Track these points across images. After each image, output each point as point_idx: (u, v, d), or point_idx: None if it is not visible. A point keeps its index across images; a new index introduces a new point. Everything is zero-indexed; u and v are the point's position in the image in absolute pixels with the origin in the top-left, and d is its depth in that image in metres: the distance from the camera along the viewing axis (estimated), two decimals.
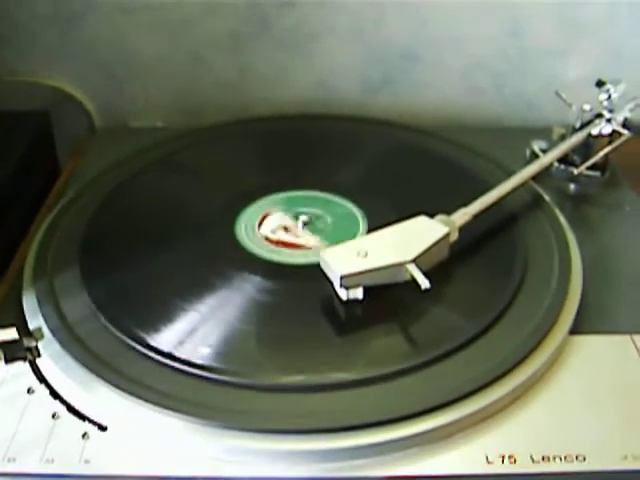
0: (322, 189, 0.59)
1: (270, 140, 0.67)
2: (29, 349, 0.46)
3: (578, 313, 0.48)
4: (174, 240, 0.54)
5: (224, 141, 0.67)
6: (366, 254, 0.47)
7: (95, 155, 0.68)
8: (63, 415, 0.42)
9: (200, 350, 0.44)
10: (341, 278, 0.46)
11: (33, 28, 0.74)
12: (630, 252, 0.56)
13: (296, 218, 0.55)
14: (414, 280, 0.46)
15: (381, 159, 0.65)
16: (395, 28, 0.74)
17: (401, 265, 0.47)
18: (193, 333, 0.45)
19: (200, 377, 0.43)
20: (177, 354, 0.44)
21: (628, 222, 0.59)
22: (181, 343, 0.45)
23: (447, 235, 0.50)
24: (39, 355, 0.45)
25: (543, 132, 0.68)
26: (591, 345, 0.47)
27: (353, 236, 0.54)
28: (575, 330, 0.47)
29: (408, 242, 0.48)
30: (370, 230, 0.54)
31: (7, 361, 0.45)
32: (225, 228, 0.55)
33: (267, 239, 0.54)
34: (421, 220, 0.50)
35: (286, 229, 0.55)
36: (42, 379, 0.44)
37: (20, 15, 0.73)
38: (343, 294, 0.47)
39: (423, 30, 0.74)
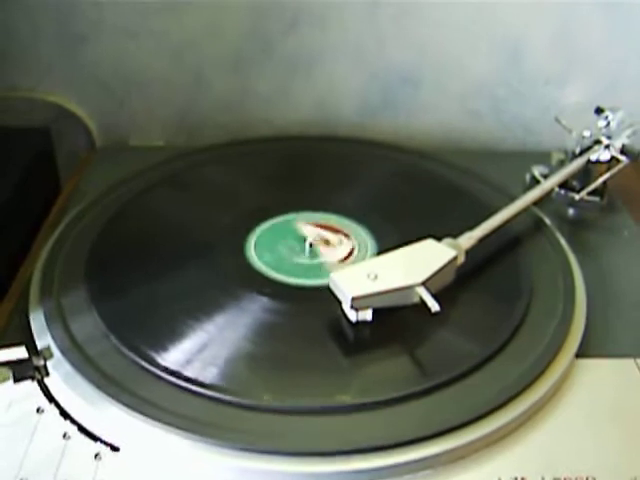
0: (330, 211, 0.60)
1: (276, 160, 0.68)
2: (37, 368, 0.45)
3: (583, 336, 0.49)
4: (182, 259, 0.54)
5: (229, 161, 0.67)
6: (376, 276, 0.47)
7: (96, 173, 0.69)
8: (74, 435, 0.42)
9: (211, 370, 0.44)
10: (352, 300, 0.46)
11: (38, 45, 0.74)
12: (630, 276, 0.57)
13: (303, 239, 0.56)
14: (424, 303, 0.46)
15: (384, 182, 0.65)
16: (396, 52, 0.75)
17: (411, 288, 0.47)
18: (204, 353, 0.45)
19: (212, 398, 0.43)
20: (188, 374, 0.44)
21: (627, 247, 0.60)
22: (192, 363, 0.45)
23: (455, 258, 0.50)
24: (47, 374, 0.45)
25: (541, 157, 0.69)
26: (597, 369, 0.47)
27: (361, 258, 0.54)
28: (581, 354, 0.48)
29: (417, 265, 0.48)
30: (378, 253, 0.54)
31: (16, 380, 0.45)
32: (234, 248, 0.55)
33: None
34: (429, 243, 0.51)
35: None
36: (51, 398, 0.44)
37: (23, 32, 0.73)
38: (353, 316, 0.47)
39: (423, 54, 0.75)
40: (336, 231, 0.57)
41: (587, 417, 0.44)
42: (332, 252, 0.55)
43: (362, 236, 0.57)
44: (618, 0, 0.71)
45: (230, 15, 0.73)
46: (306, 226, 0.58)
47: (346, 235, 0.57)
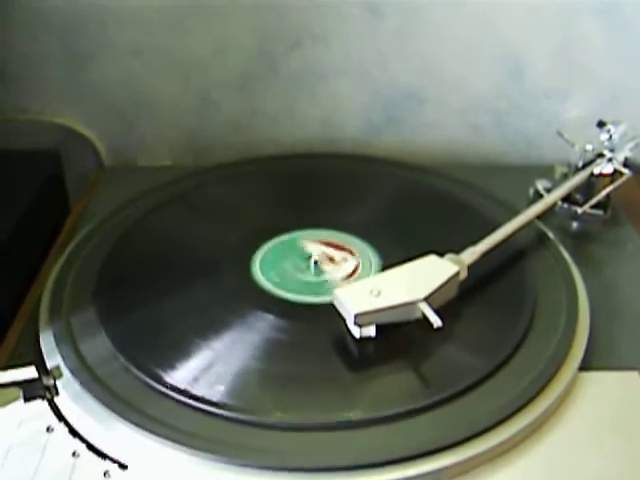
0: (335, 228, 0.60)
1: (281, 179, 0.69)
2: (47, 387, 0.46)
3: (586, 349, 0.49)
4: (189, 278, 0.55)
5: (236, 180, 0.68)
6: (379, 293, 0.48)
7: (105, 194, 0.70)
8: (83, 453, 0.42)
9: (219, 388, 0.45)
10: (355, 316, 0.47)
11: (44, 67, 0.75)
12: (634, 289, 0.57)
13: (308, 257, 0.56)
14: (426, 318, 0.47)
15: (388, 198, 0.66)
16: (398, 69, 0.75)
17: (413, 304, 0.48)
18: (211, 371, 0.46)
19: (220, 415, 0.43)
20: (196, 392, 0.44)
21: (631, 260, 0.61)
22: (200, 382, 0.45)
23: (457, 274, 0.51)
24: (57, 393, 0.46)
25: (544, 170, 0.69)
26: (600, 381, 0.47)
27: (366, 275, 0.55)
28: (584, 366, 0.48)
29: (419, 281, 0.49)
30: (382, 269, 0.55)
31: (26, 400, 0.45)
32: (240, 267, 0.56)
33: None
34: (431, 259, 0.51)
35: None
36: (61, 417, 0.45)
37: (32, 54, 0.75)
38: (356, 332, 0.48)
39: (425, 71, 0.75)
40: (340, 248, 0.58)
41: (591, 430, 0.44)
42: (337, 269, 0.56)
43: (366, 252, 0.58)
44: (618, 14, 0.71)
45: (234, 36, 0.74)
46: (311, 243, 0.58)
47: (350, 252, 0.58)
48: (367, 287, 0.48)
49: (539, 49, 0.74)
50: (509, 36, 0.73)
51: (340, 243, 0.59)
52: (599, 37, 0.73)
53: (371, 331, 0.48)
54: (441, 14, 0.72)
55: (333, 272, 0.56)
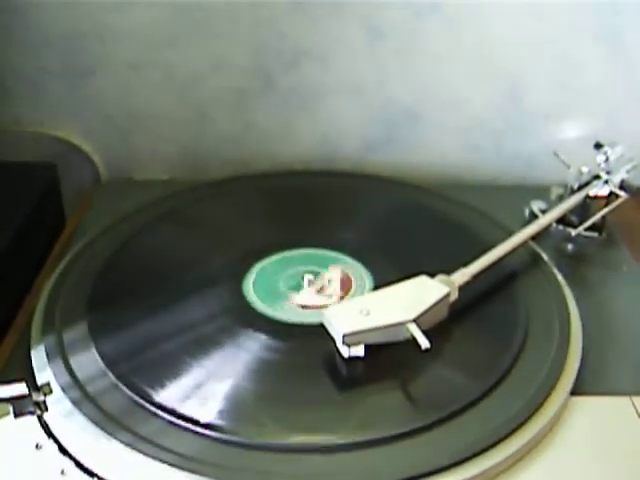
0: (328, 247, 0.60)
1: (276, 196, 0.69)
2: (37, 404, 0.46)
3: (578, 373, 0.49)
4: (181, 296, 0.55)
5: (230, 196, 0.68)
6: (368, 313, 0.48)
7: (101, 207, 0.70)
8: (71, 471, 0.42)
9: (209, 408, 0.45)
10: (344, 336, 0.47)
11: (42, 81, 0.76)
12: (628, 312, 0.57)
13: (302, 277, 0.56)
14: (415, 340, 0.47)
15: (384, 217, 0.66)
16: (397, 88, 0.76)
17: (402, 324, 0.48)
18: (201, 391, 0.46)
19: (209, 436, 0.43)
20: (185, 412, 0.44)
21: (626, 282, 0.61)
22: (190, 401, 0.45)
23: (447, 295, 0.51)
24: (47, 410, 0.46)
25: (541, 191, 0.69)
26: (592, 406, 0.47)
27: (359, 294, 0.55)
28: (576, 391, 0.48)
29: (409, 302, 0.49)
30: (374, 289, 0.55)
31: (16, 416, 0.45)
32: (232, 285, 0.56)
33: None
34: (422, 280, 0.51)
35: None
36: (50, 434, 0.44)
37: (29, 68, 0.75)
38: (345, 351, 0.48)
39: (424, 90, 0.75)
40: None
41: (581, 456, 0.44)
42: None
43: (360, 273, 0.58)
44: (616, 38, 0.71)
45: (231, 52, 0.74)
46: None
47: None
48: (357, 306, 0.48)
49: (538, 70, 0.74)
50: (508, 57, 0.73)
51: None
52: (597, 60, 0.73)
53: (360, 351, 0.48)
54: (440, 35, 0.73)
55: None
